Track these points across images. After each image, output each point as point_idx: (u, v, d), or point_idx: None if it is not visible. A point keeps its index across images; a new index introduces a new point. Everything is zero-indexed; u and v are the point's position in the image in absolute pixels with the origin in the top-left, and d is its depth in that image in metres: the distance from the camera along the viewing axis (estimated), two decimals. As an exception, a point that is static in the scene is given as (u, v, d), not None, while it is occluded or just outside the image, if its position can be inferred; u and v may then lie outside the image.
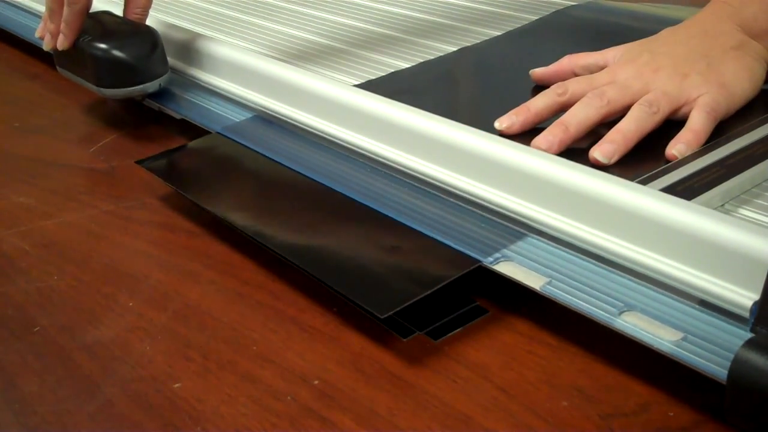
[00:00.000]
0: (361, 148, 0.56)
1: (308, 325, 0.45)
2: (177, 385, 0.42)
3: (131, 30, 0.68)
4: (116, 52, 0.65)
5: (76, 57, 0.68)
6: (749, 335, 0.36)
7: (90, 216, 0.58)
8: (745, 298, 0.38)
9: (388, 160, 0.54)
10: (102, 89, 0.67)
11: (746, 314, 0.37)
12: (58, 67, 0.73)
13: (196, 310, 0.47)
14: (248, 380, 0.42)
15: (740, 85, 0.56)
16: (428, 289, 0.43)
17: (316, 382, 0.41)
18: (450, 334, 0.43)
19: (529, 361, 0.41)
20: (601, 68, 0.60)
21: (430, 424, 0.38)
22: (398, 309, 0.42)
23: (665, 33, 0.61)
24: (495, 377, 0.41)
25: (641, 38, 0.61)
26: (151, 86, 0.67)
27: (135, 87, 0.66)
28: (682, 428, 0.37)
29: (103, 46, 0.66)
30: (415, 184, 0.53)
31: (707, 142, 0.53)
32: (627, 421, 0.38)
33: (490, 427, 0.38)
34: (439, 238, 0.47)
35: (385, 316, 0.41)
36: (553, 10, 0.84)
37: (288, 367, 0.42)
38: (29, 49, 0.87)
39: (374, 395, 0.40)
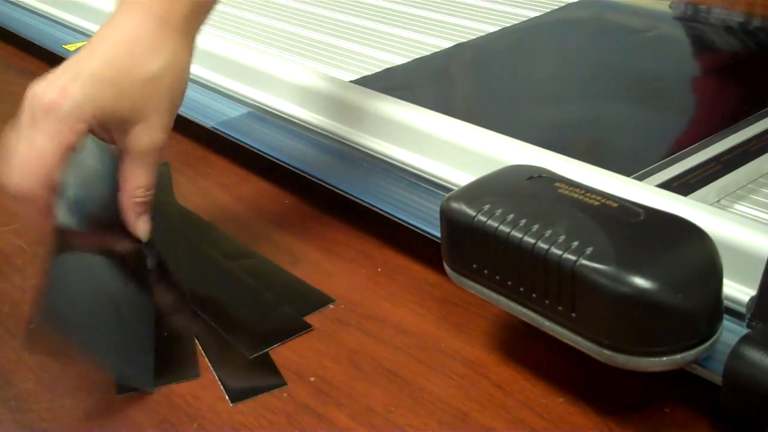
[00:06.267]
0: (357, 143, 0.56)
1: (304, 322, 0.45)
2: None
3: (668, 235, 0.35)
4: (668, 293, 0.33)
5: (529, 269, 0.36)
6: (745, 331, 0.36)
7: (85, 213, 0.57)
8: (742, 293, 0.38)
9: (382, 155, 0.54)
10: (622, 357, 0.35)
11: (743, 310, 0.37)
12: (450, 271, 0.41)
13: (192, 307, 0.47)
14: (244, 377, 0.42)
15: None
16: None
17: (312, 378, 0.41)
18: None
19: (525, 357, 0.41)
20: None
21: (427, 420, 0.38)
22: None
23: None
24: (491, 373, 0.41)
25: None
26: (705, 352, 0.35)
27: (689, 353, 0.34)
28: (678, 424, 0.37)
29: (635, 278, 0.33)
30: (409, 178, 0.53)
31: (703, 138, 0.52)
32: (623, 417, 0.38)
33: (486, 424, 0.38)
34: (429, 230, 0.47)
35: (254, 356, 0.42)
36: (550, 6, 0.84)
37: (284, 363, 0.42)
38: (24, 45, 0.87)
39: (370, 392, 0.40)
